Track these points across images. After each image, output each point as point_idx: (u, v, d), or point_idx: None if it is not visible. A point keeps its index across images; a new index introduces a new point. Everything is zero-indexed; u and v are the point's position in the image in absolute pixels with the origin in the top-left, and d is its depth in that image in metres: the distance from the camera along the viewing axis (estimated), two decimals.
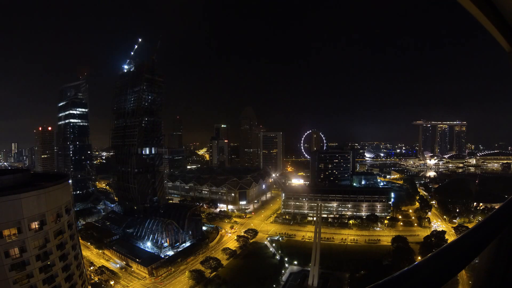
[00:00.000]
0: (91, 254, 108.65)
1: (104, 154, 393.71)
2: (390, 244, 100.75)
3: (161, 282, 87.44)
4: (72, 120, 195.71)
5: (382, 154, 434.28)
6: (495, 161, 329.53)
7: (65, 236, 50.37)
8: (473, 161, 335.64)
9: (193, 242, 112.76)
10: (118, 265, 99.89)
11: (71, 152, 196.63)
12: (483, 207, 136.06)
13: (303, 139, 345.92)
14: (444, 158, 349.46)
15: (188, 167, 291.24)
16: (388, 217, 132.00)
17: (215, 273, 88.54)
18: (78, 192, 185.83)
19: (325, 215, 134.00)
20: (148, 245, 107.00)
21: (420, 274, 2.54)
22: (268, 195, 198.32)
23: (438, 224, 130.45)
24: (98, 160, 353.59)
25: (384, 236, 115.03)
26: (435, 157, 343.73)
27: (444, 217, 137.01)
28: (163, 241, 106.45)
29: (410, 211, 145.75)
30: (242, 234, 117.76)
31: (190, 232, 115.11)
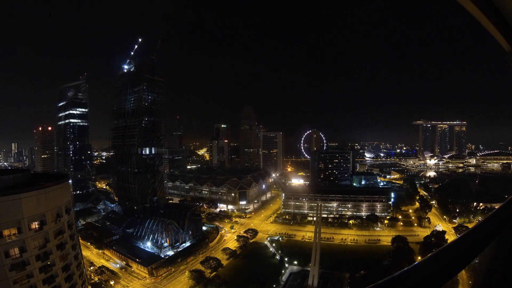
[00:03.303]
0: (91, 254, 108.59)
1: (104, 154, 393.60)
2: (390, 244, 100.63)
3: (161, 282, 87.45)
4: (72, 120, 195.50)
5: (382, 154, 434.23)
6: (495, 161, 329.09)
7: (65, 236, 50.34)
8: (473, 161, 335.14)
9: (193, 242, 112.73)
10: (118, 265, 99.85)
11: (71, 152, 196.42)
12: (483, 207, 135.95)
13: (303, 139, 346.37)
14: (444, 158, 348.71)
15: (188, 167, 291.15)
16: (388, 217, 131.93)
17: (215, 273, 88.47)
18: (78, 192, 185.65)
19: (325, 215, 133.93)
20: (148, 245, 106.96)
21: (420, 274, 2.54)
22: (268, 195, 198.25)
23: (438, 224, 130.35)
24: (98, 160, 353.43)
25: (384, 236, 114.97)
26: (435, 157, 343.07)
27: (444, 217, 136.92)
28: (163, 241, 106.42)
29: (410, 211, 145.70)
30: (242, 234, 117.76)
31: (190, 232, 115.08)
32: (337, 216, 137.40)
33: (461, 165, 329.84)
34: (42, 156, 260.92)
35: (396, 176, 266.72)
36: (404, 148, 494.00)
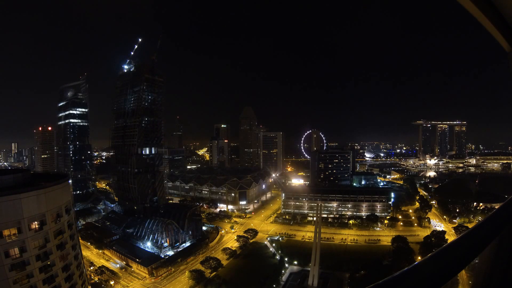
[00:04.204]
0: (91, 254, 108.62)
1: (104, 154, 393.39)
2: (390, 244, 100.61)
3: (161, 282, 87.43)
4: (72, 120, 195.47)
5: (382, 154, 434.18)
6: (495, 161, 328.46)
7: (65, 236, 50.37)
8: (473, 161, 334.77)
9: (193, 242, 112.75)
10: (118, 265, 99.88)
11: (71, 152, 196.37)
12: (483, 207, 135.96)
13: (303, 139, 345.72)
14: (444, 158, 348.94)
15: (188, 167, 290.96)
16: (388, 217, 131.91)
17: (215, 273, 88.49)
18: (78, 192, 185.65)
19: (325, 215, 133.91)
20: (148, 245, 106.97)
21: (420, 274, 2.53)
22: (268, 195, 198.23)
23: (438, 224, 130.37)
24: (98, 160, 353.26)
25: (384, 236, 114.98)
26: (435, 157, 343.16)
27: (444, 217, 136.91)
28: (163, 241, 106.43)
29: (410, 211, 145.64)
30: (242, 234, 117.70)
31: (190, 232, 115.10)
32: (337, 216, 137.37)
33: (461, 165, 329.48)
34: (42, 156, 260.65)
35: (396, 176, 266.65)
36: (404, 148, 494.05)
